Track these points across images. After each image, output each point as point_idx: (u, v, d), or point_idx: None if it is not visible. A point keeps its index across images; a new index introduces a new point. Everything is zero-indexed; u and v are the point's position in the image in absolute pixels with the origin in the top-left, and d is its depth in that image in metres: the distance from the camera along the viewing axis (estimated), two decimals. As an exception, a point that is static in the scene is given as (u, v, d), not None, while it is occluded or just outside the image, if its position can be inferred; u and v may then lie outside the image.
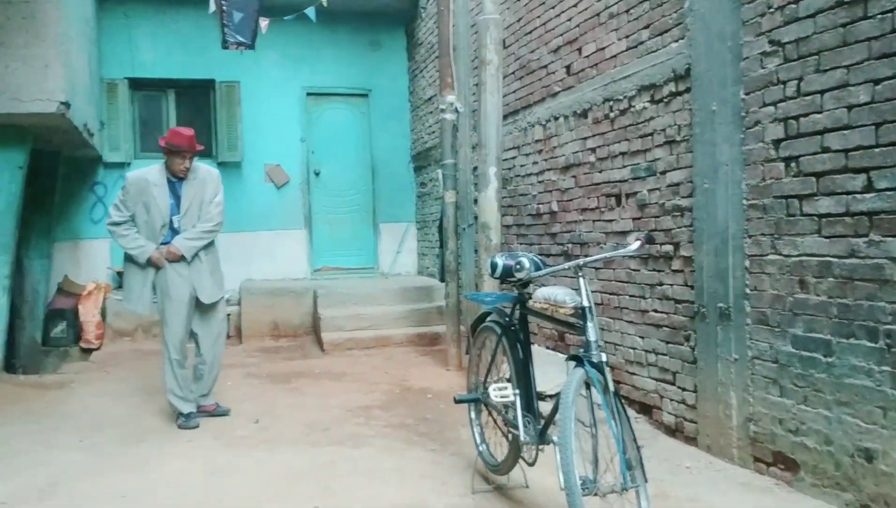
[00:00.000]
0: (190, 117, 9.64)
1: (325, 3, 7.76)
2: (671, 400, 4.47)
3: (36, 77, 6.06)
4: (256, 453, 4.37)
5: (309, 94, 9.98)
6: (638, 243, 3.13)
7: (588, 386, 2.91)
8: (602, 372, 2.88)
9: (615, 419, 2.80)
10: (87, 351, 8.05)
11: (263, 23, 7.53)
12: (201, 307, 5.07)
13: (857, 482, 3.20)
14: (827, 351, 3.34)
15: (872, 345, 3.11)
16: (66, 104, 6.21)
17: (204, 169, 5.10)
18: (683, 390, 4.36)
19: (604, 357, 2.92)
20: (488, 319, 3.79)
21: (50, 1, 6.12)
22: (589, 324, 2.97)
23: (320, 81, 9.98)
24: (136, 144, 9.45)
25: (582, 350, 2.98)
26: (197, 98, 9.67)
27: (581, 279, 3.06)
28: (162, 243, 4.89)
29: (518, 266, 3.35)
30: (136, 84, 9.33)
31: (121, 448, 4.49)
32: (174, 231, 4.93)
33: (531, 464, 3.40)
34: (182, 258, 4.90)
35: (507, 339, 3.53)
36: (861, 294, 3.16)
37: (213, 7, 7.34)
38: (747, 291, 3.81)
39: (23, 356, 7.81)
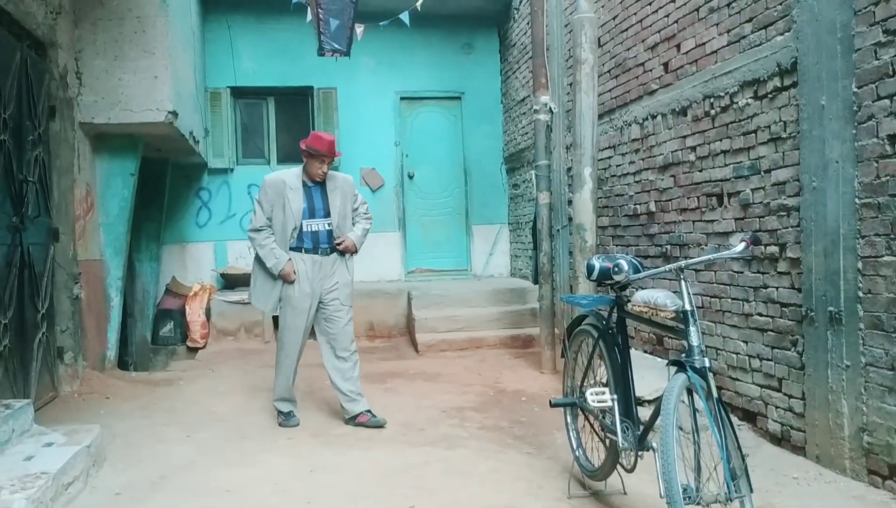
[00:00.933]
0: (289, 124, 9.94)
1: (418, 8, 7.85)
2: (777, 408, 4.29)
3: (146, 88, 6.38)
4: (353, 452, 4.44)
5: (402, 98, 10.10)
6: (743, 245, 3.01)
7: (690, 392, 2.83)
8: (705, 378, 2.79)
9: (718, 426, 2.71)
10: (193, 350, 8.40)
11: (359, 29, 7.68)
12: (330, 309, 5.00)
13: (985, 499, 2.99)
14: (950, 359, 3.13)
15: None
16: (174, 113, 6.50)
17: (341, 177, 5.10)
18: (790, 397, 4.18)
19: (706, 363, 2.83)
20: (584, 322, 3.74)
21: (159, 16, 6.43)
22: (691, 328, 2.89)
23: (413, 85, 10.09)
24: (238, 151, 9.80)
25: (684, 355, 2.89)
26: (295, 105, 9.95)
27: (682, 282, 2.98)
28: (291, 249, 4.89)
29: (616, 268, 3.29)
30: (237, 92, 9.67)
31: (225, 443, 4.65)
32: (307, 235, 4.90)
33: (630, 470, 3.33)
34: (355, 251, 5.09)
35: (605, 342, 3.47)
36: None
37: (310, 16, 7.53)
38: (860, 294, 3.61)
39: (134, 354, 8.24)
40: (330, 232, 4.93)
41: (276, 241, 4.88)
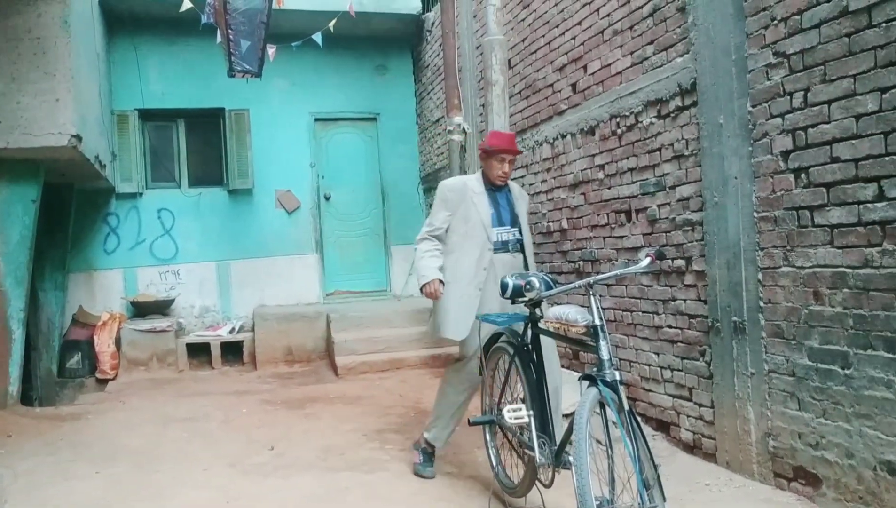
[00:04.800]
0: (200, 146, 9.74)
1: (331, 29, 7.83)
2: (688, 416, 4.42)
3: (47, 111, 6.14)
4: (272, 480, 4.35)
5: (317, 119, 10.03)
6: (648, 260, 3.13)
7: (602, 405, 2.88)
8: (616, 391, 2.85)
9: (631, 438, 2.77)
10: (103, 382, 8.07)
11: (271, 50, 7.60)
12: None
13: (880, 495, 3.14)
14: (844, 363, 3.29)
15: (891, 356, 3.07)
16: (78, 137, 6.28)
17: (517, 186, 4.44)
18: (700, 406, 4.31)
19: (617, 376, 2.89)
20: (500, 339, 3.77)
21: (60, 36, 6.21)
22: (601, 342, 2.95)
23: (328, 107, 10.05)
24: (148, 174, 9.52)
25: (595, 369, 2.95)
26: (207, 127, 9.75)
27: (592, 297, 3.05)
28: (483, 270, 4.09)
29: (528, 286, 3.33)
30: (146, 115, 9.42)
31: (137, 478, 4.48)
32: (512, 246, 4.17)
33: (548, 486, 3.36)
34: None
35: (520, 359, 3.51)
36: (877, 304, 3.13)
37: (219, 37, 7.42)
38: (761, 304, 3.77)
39: (39, 388, 7.86)
40: (519, 242, 4.20)
41: (439, 254, 4.17)
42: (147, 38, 9.26)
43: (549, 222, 6.17)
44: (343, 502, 3.92)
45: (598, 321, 2.98)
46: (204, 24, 7.41)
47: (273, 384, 7.46)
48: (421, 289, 4.11)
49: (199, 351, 8.62)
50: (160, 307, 9.01)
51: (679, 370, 4.51)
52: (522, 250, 4.19)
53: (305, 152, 9.94)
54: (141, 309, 8.92)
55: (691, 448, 4.39)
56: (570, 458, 2.84)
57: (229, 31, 7.25)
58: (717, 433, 4.14)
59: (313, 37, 7.92)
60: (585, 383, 2.97)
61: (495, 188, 4.21)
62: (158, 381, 7.90)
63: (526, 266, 4.18)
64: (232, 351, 8.69)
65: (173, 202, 9.44)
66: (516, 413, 3.34)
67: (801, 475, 3.57)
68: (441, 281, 4.06)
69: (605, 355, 2.93)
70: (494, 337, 3.85)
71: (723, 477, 3.96)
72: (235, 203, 9.63)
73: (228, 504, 3.98)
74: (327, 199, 10.02)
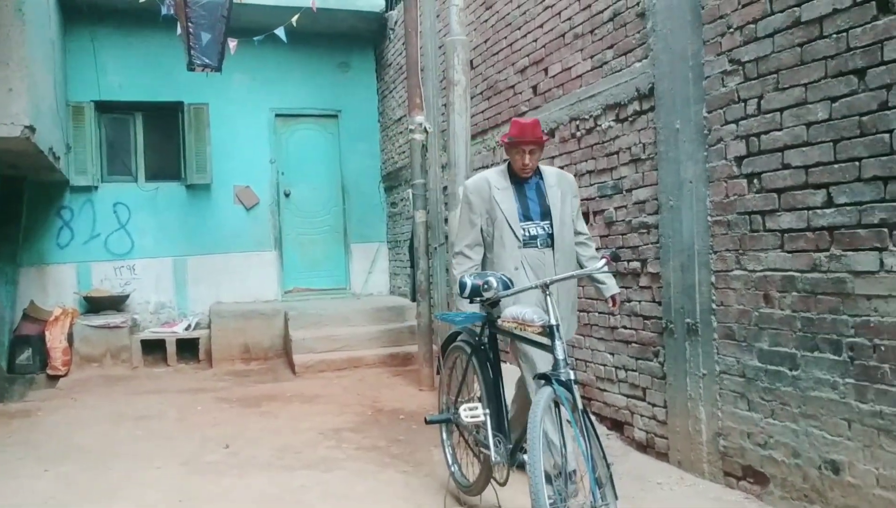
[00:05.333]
0: (158, 140, 9.59)
1: (294, 24, 7.77)
2: (642, 416, 4.49)
3: (0, 101, 5.99)
4: (226, 479, 4.31)
5: (278, 115, 9.95)
6: (603, 261, 3.17)
7: (557, 405, 2.91)
8: (571, 390, 2.89)
9: (584, 437, 2.81)
10: (54, 378, 7.89)
11: (232, 44, 7.52)
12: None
13: (824, 494, 3.23)
14: (792, 365, 3.38)
15: (836, 358, 3.15)
16: (31, 128, 6.13)
17: (557, 173, 4.03)
18: (654, 405, 4.38)
19: (572, 375, 2.93)
20: (458, 338, 3.79)
21: (14, 25, 6.05)
22: (556, 342, 2.98)
23: (289, 103, 9.97)
24: (104, 168, 9.34)
25: (550, 369, 2.98)
26: (165, 121, 9.60)
27: (548, 298, 3.08)
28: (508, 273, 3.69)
29: (486, 285, 3.35)
30: (102, 107, 9.24)
31: (87, 476, 4.40)
32: (542, 242, 3.80)
33: (503, 484, 3.39)
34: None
35: (478, 358, 3.53)
36: (824, 308, 3.21)
37: (179, 30, 7.31)
38: (714, 306, 3.85)
39: (-13, 385, 7.65)
40: (550, 236, 3.81)
41: (478, 266, 3.90)
42: (105, 28, 9.09)
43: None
44: (298, 501, 3.91)
45: (553, 321, 3.02)
46: (164, 16, 7.31)
47: (229, 381, 7.39)
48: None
49: (154, 348, 8.49)
50: (114, 303, 8.85)
51: (633, 371, 4.57)
52: (552, 245, 3.79)
53: (265, 148, 9.84)
54: (94, 305, 8.76)
55: (644, 448, 4.46)
56: (525, 457, 2.86)
57: (189, 23, 7.15)
58: (670, 433, 4.21)
59: (276, 32, 7.85)
60: (540, 382, 3.00)
61: (523, 180, 3.88)
62: (112, 378, 7.77)
63: (556, 264, 3.76)
64: (188, 348, 8.57)
65: (129, 196, 9.28)
66: (472, 412, 3.36)
67: (750, 473, 3.65)
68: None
69: (560, 354, 2.96)
70: (452, 336, 3.87)
71: (674, 476, 4.03)
72: (193, 198, 9.50)
73: (181, 503, 3.93)
74: (287, 196, 9.94)
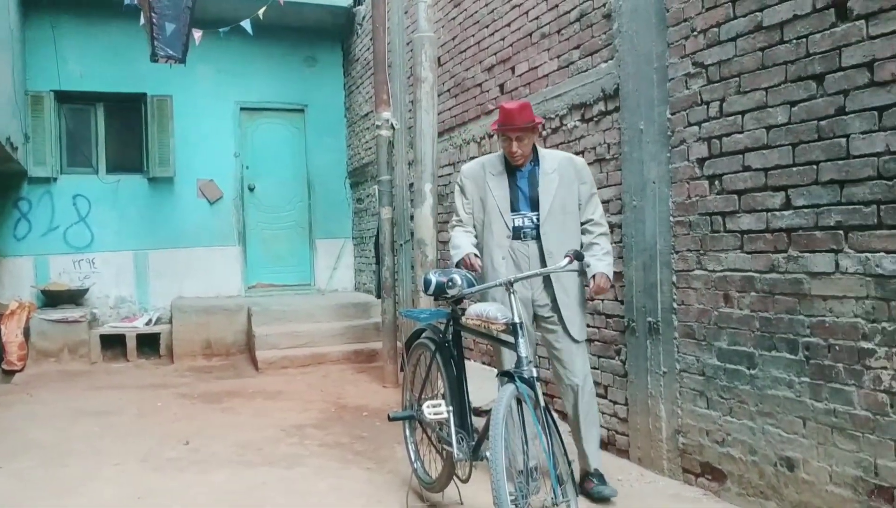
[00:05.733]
0: (120, 132, 9.45)
1: (261, 17, 7.70)
2: (603, 413, 4.53)
3: (-46, 89, 5.85)
4: (186, 475, 4.26)
5: (243, 108, 9.85)
6: (567, 260, 3.20)
7: (520, 402, 2.93)
8: (533, 387, 2.91)
9: (546, 434, 2.83)
10: (10, 373, 7.72)
11: (197, 35, 7.42)
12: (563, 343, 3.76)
13: (779, 490, 3.30)
14: (750, 363, 3.44)
15: (792, 357, 3.22)
16: (-13, 117, 6.00)
17: (561, 157, 3.84)
18: (615, 403, 4.43)
19: (535, 373, 2.95)
20: (423, 335, 3.79)
21: (-30, 11, 5.93)
22: (520, 340, 3.01)
23: (255, 96, 9.88)
24: (63, 159, 9.17)
25: (513, 366, 3.00)
26: (128, 112, 9.45)
27: (512, 296, 3.10)
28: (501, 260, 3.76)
29: (450, 283, 3.35)
30: (63, 97, 9.07)
31: (43, 473, 4.32)
32: (527, 233, 3.73)
33: (465, 481, 3.40)
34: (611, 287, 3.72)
35: (441, 355, 3.54)
36: (781, 308, 3.27)
37: (143, 19, 7.20)
38: (675, 305, 3.90)
39: (-61, 380, 7.47)
40: (536, 228, 3.70)
41: (473, 234, 3.87)
42: (66, 16, 8.92)
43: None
44: (259, 498, 3.88)
45: (517, 319, 3.04)
46: (127, 5, 7.18)
47: (190, 377, 7.31)
48: (457, 266, 3.70)
49: (113, 343, 8.36)
50: (73, 297, 8.70)
51: (595, 369, 4.61)
52: (538, 237, 3.69)
53: (230, 142, 9.75)
54: (52, 298, 8.59)
55: (605, 445, 4.50)
56: (487, 453, 2.88)
57: (153, 13, 7.06)
58: (631, 430, 4.27)
59: (242, 24, 7.76)
60: (504, 379, 3.02)
61: (516, 167, 3.76)
62: (69, 373, 7.64)
63: (542, 257, 3.66)
64: (148, 343, 8.46)
65: (90, 189, 9.13)
66: (436, 409, 3.37)
67: (708, 470, 3.71)
68: (476, 254, 3.72)
69: (523, 352, 2.99)
70: (417, 333, 3.87)
71: (634, 473, 4.08)
72: (155, 191, 9.37)
73: (139, 500, 3.88)
74: (251, 190, 9.85)
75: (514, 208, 3.73)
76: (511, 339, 3.06)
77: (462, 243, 3.78)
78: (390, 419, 3.82)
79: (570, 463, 2.88)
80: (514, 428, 2.93)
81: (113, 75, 9.10)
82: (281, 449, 4.75)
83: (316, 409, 5.84)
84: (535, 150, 3.82)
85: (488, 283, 3.35)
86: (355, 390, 6.58)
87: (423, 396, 3.73)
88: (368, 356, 7.83)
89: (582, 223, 3.77)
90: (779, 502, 3.30)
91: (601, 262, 3.64)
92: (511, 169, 3.78)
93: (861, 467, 2.92)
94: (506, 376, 3.01)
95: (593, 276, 3.61)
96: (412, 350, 3.89)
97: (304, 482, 4.12)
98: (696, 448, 3.79)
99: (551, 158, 3.79)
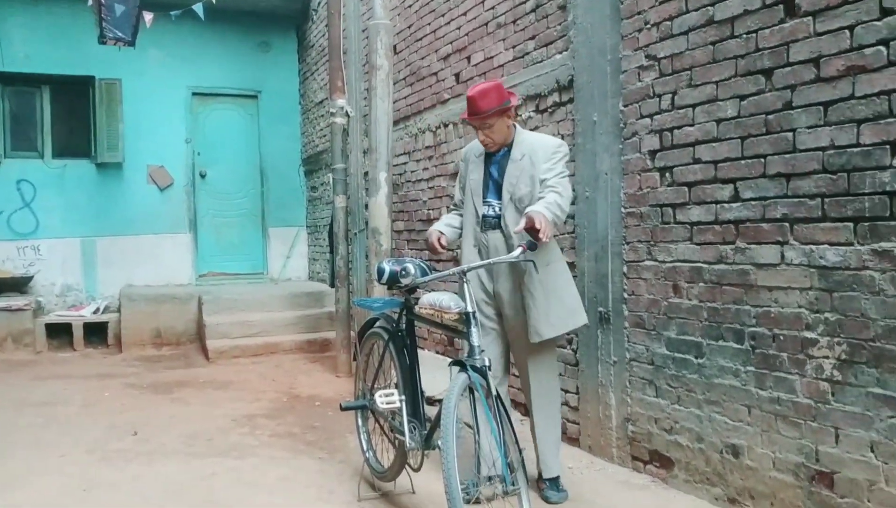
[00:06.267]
0: (66, 115, 9.21)
1: (213, 1, 7.56)
2: (555, 402, 4.57)
3: None
4: (134, 466, 4.19)
5: (195, 94, 9.68)
6: (519, 250, 3.17)
7: (471, 390, 2.93)
8: (485, 376, 2.91)
9: (497, 422, 2.84)
10: (-51, 363, 7.51)
11: (147, 17, 7.26)
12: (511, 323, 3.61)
13: (725, 476, 3.37)
14: (698, 353, 3.50)
15: (739, 346, 3.29)
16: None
17: (532, 141, 3.55)
18: (567, 392, 4.47)
19: (486, 362, 2.96)
20: (376, 325, 3.77)
21: None
22: (472, 329, 3.01)
23: (207, 81, 9.70)
24: (7, 143, 8.89)
25: (466, 355, 3.01)
26: (75, 95, 9.20)
27: (465, 285, 3.10)
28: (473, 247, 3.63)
29: (404, 272, 3.34)
30: (6, 79, 8.79)
31: (-17, 465, 4.21)
32: (489, 223, 3.56)
33: (417, 470, 3.40)
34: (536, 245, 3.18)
35: (394, 345, 3.52)
36: (728, 298, 3.34)
37: (91, 0, 7.01)
38: (625, 295, 3.95)
39: None
40: (497, 218, 3.53)
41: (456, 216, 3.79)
42: (9, -5, 8.64)
43: (429, 209, 6.21)
44: (208, 489, 3.83)
45: (470, 308, 3.04)
46: (74, -15, 6.99)
47: (139, 367, 7.17)
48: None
49: (59, 332, 8.17)
50: (17, 285, 8.46)
51: (548, 358, 4.65)
52: (500, 227, 3.52)
53: (181, 127, 9.57)
54: (-5, 286, 8.36)
55: (557, 433, 4.55)
56: (439, 442, 2.88)
57: (101, -6, 6.88)
58: (581, 419, 4.32)
59: (194, 7, 7.60)
60: (455, 368, 3.02)
61: (494, 152, 3.58)
62: (13, 363, 7.44)
63: (509, 249, 3.43)
64: (96, 333, 8.28)
65: (35, 173, 8.88)
66: (388, 399, 3.36)
67: (656, 458, 3.78)
68: (442, 232, 3.65)
69: (475, 341, 2.99)
70: (370, 322, 3.85)
71: (585, 460, 4.13)
72: (104, 177, 9.15)
73: (85, 491, 3.80)
74: (203, 177, 9.69)
75: (486, 196, 3.59)
76: (464, 328, 3.06)
77: (439, 223, 3.75)
78: (342, 408, 3.81)
79: (521, 451, 2.90)
80: (465, 417, 2.94)
81: (60, 57, 8.85)
82: (231, 439, 4.70)
83: (267, 399, 5.79)
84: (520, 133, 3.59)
85: (441, 272, 3.34)
86: (308, 379, 6.53)
87: (375, 385, 3.72)
88: (322, 345, 7.79)
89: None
90: (724, 488, 3.37)
91: (538, 204, 3.23)
92: (489, 154, 3.61)
93: (803, 453, 3.00)
94: (458, 365, 3.01)
95: (528, 216, 3.11)
96: (365, 340, 3.87)
97: (255, 472, 4.08)
98: (644, 435, 3.85)
99: (525, 144, 3.52)
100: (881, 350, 2.71)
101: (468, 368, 2.93)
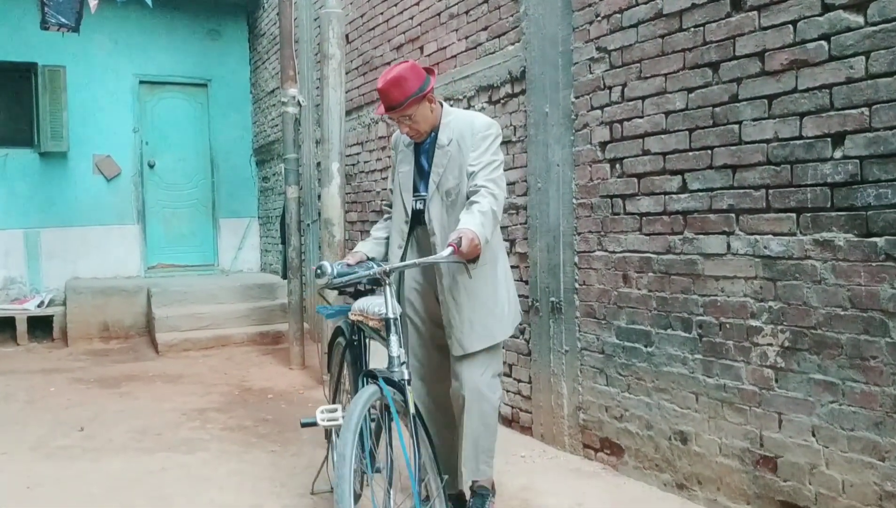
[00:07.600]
0: (7, 103, 8.92)
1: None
2: (508, 392, 4.60)
3: None
4: (80, 463, 4.10)
5: (142, 82, 9.45)
6: (450, 249, 2.64)
7: (386, 408, 2.63)
8: (402, 392, 2.59)
9: (414, 445, 2.54)
10: None
11: (92, 3, 7.05)
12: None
13: (673, 463, 3.43)
14: (647, 342, 3.56)
15: (686, 335, 3.35)
16: None
17: (460, 123, 3.09)
18: (519, 381, 4.51)
19: (406, 375, 2.63)
20: (339, 334, 3.60)
21: None
22: (392, 337, 2.67)
23: (155, 70, 9.49)
24: (-59, 132, 8.60)
25: (386, 366, 2.67)
26: (16, 82, 8.90)
27: (387, 288, 2.75)
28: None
29: (319, 271, 2.94)
30: (-59, 64, 8.50)
31: (-79, 465, 4.08)
32: (420, 218, 3.13)
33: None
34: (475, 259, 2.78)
35: (351, 353, 3.35)
36: (676, 288, 3.39)
37: (32, -16, 6.81)
38: (576, 285, 3.99)
39: None
40: (421, 213, 3.12)
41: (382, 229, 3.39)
42: (-55, -22, 8.33)
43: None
44: (156, 484, 3.77)
45: (391, 314, 2.70)
46: (14, -31, 6.77)
47: (86, 361, 7.02)
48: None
49: (2, 326, 7.94)
50: (-45, 278, 8.21)
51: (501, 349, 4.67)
52: (424, 222, 3.10)
53: (128, 116, 9.35)
54: (-67, 279, 8.09)
55: (510, 422, 4.58)
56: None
57: (43, -22, 6.67)
58: (534, 408, 4.35)
59: (140, -7, 7.42)
60: (365, 380, 2.72)
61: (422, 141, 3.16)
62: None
63: (433, 245, 3.06)
64: (40, 326, 8.07)
65: (-26, 164, 8.60)
66: (330, 416, 2.83)
67: (607, 445, 3.83)
68: (367, 255, 3.22)
69: (394, 351, 2.65)
70: (338, 330, 3.59)
71: (537, 449, 4.17)
72: (48, 167, 8.90)
73: (29, 489, 3.71)
74: (151, 167, 9.49)
75: (416, 189, 3.14)
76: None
77: (365, 243, 3.34)
78: (302, 425, 3.45)
79: (442, 478, 2.64)
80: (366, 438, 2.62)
81: (0, 43, 8.56)
82: (181, 434, 4.63)
83: (218, 392, 5.71)
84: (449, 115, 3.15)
85: (360, 272, 2.92)
86: (260, 372, 6.47)
87: (337, 397, 3.53)
88: (274, 338, 7.71)
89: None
90: (672, 474, 3.44)
91: (468, 217, 2.80)
92: (417, 142, 3.18)
93: (748, 438, 3.07)
94: (370, 376, 2.67)
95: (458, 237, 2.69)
96: (333, 351, 3.65)
97: (205, 467, 4.03)
98: (595, 423, 3.90)
99: (452, 126, 3.08)
100: (822, 338, 2.78)
101: (380, 380, 2.59)
